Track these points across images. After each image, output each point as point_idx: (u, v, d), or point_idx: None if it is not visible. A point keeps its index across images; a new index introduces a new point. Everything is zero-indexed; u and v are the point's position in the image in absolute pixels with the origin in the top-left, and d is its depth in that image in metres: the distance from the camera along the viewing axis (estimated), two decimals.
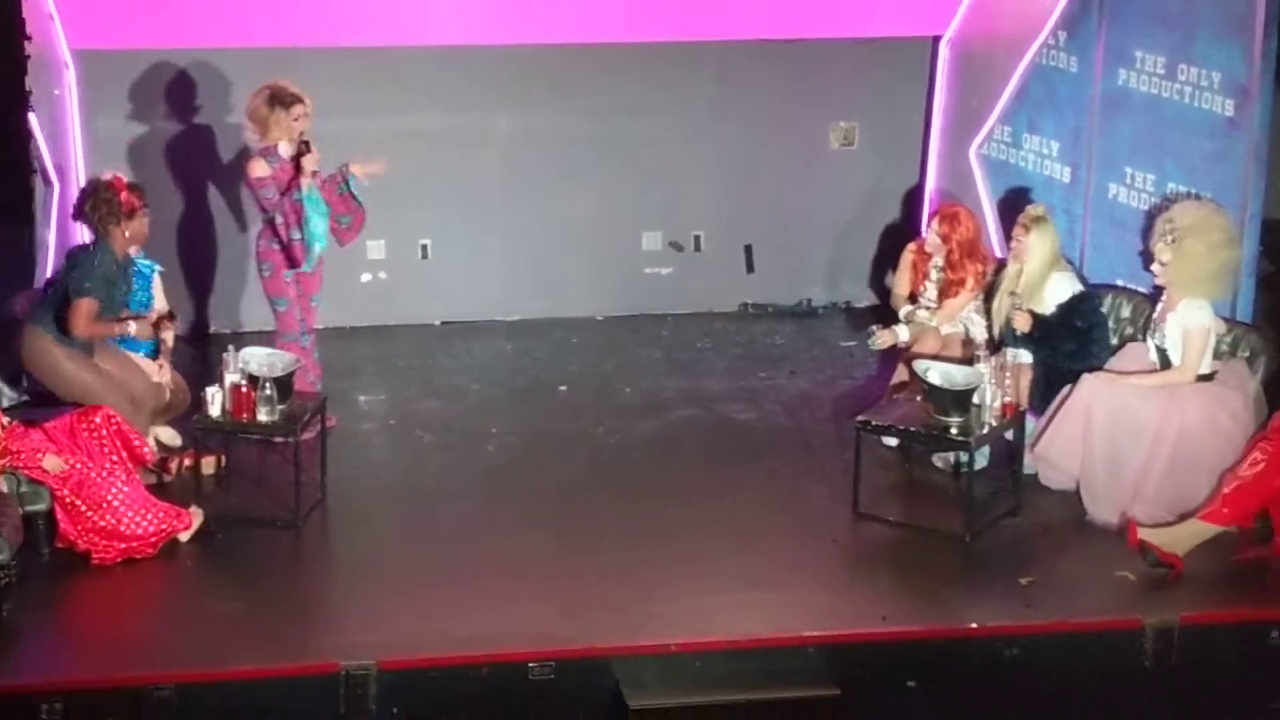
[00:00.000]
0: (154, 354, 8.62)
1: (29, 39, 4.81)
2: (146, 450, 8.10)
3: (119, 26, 9.62)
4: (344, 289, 9.61)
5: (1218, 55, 8.71)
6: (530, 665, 7.15)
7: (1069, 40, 9.49)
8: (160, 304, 8.82)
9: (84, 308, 8.12)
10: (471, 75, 10.25)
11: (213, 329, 10.29)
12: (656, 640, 7.32)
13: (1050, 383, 8.54)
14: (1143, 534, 7.86)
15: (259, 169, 8.63)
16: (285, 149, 8.66)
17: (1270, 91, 8.56)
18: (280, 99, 8.62)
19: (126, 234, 8.26)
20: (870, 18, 10.28)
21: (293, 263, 8.72)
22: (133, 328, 8.28)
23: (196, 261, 10.30)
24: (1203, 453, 8.12)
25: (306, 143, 8.64)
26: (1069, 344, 8.53)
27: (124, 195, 8.23)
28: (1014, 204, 9.67)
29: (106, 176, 8.31)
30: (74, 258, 8.36)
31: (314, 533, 8.23)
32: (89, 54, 9.66)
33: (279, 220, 8.63)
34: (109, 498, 7.74)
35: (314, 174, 8.63)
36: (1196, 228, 8.33)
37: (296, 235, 8.67)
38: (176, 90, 10.09)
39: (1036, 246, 8.64)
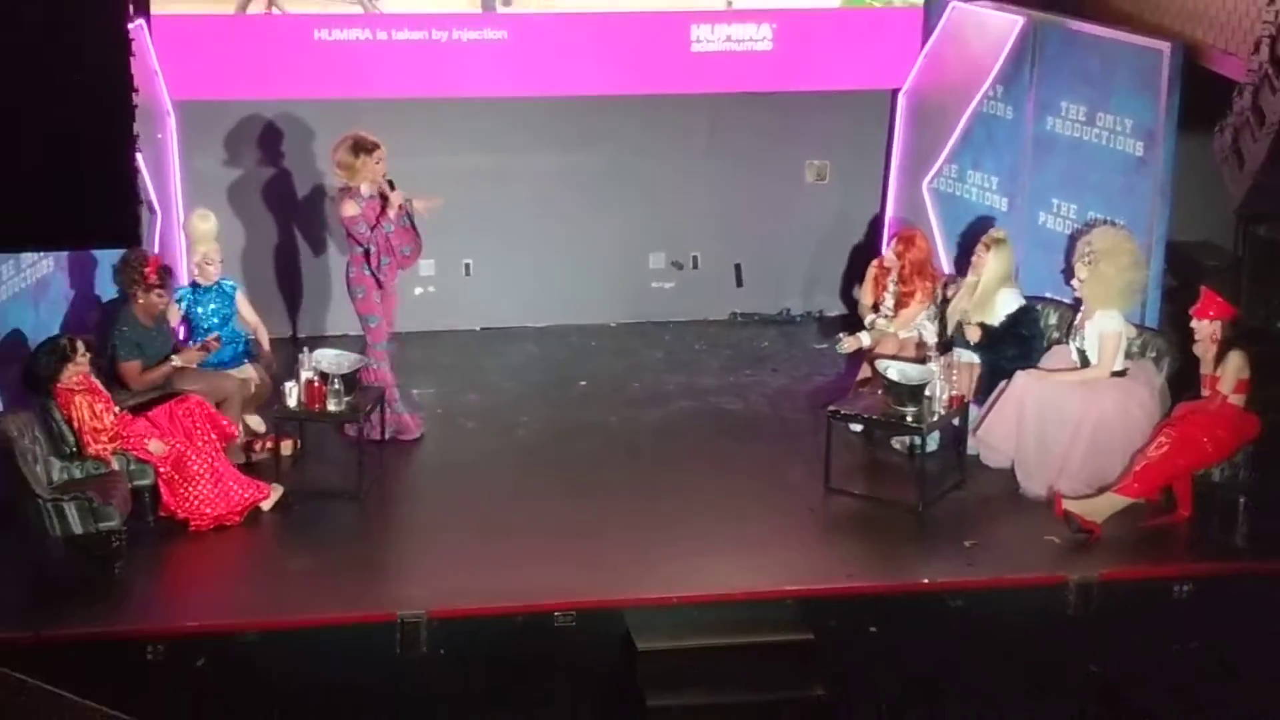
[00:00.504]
0: (243, 360, 8.64)
1: (136, 90, 4.81)
2: (230, 427, 8.09)
3: (213, 81, 9.64)
4: (400, 300, 9.60)
5: (1130, 105, 8.73)
6: (555, 614, 7.18)
7: (1005, 92, 9.50)
8: (248, 315, 8.79)
9: (124, 371, 8.09)
10: (507, 122, 10.25)
11: (301, 334, 10.26)
12: (660, 593, 7.36)
13: (991, 379, 8.55)
14: (1066, 505, 7.88)
15: (350, 209, 8.40)
16: (366, 189, 8.45)
17: (1174, 136, 8.57)
18: (364, 146, 8.39)
19: (142, 302, 8.14)
20: (840, 73, 10.25)
21: (380, 284, 8.58)
22: (178, 361, 8.21)
23: (284, 279, 10.30)
24: (1117, 437, 8.13)
25: (390, 181, 8.50)
26: (1012, 349, 8.53)
27: (148, 270, 8.10)
28: (961, 230, 9.69)
29: (147, 252, 8.19)
30: (109, 322, 8.28)
31: (374, 503, 8.23)
32: (187, 104, 9.71)
33: (372, 250, 8.47)
34: (203, 472, 7.77)
35: (400, 207, 8.47)
36: (1110, 252, 8.35)
37: (387, 260, 8.53)
38: (261, 134, 10.10)
39: (993, 263, 8.63)
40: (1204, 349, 8.05)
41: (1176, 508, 8.01)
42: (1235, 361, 7.87)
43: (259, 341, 8.73)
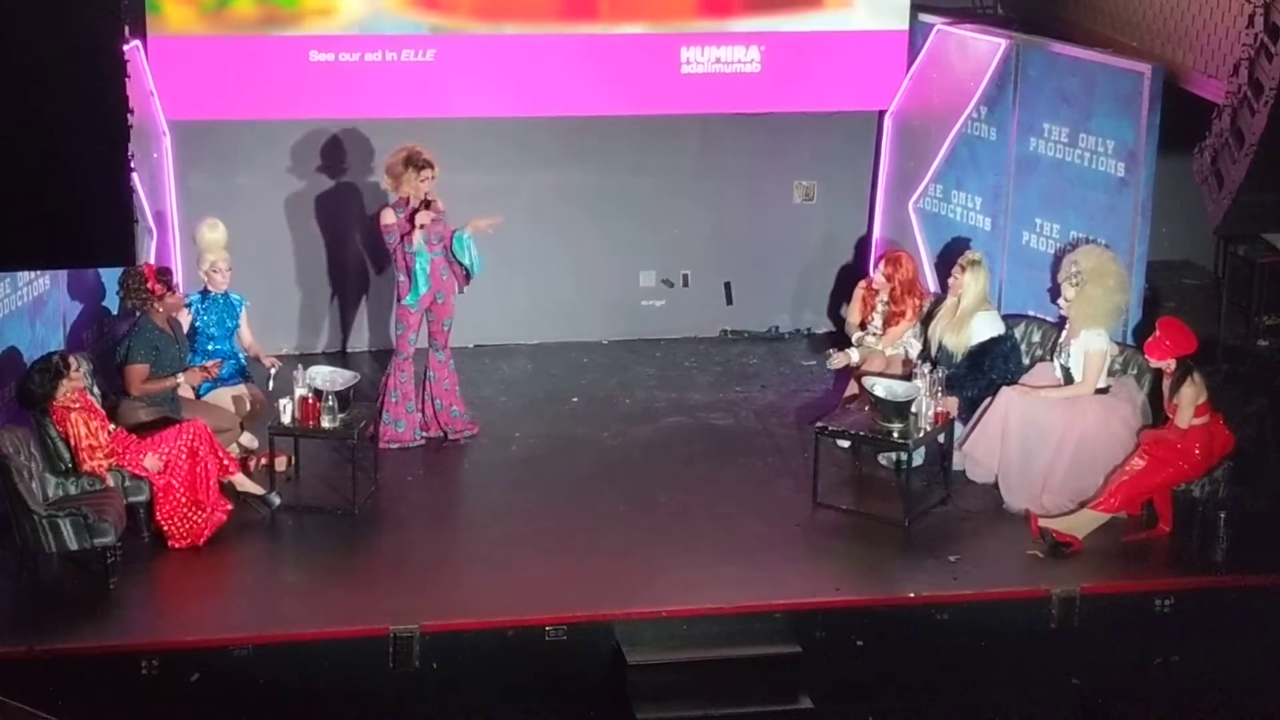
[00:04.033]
0: (239, 379, 8.62)
1: (131, 111, 4.81)
2: (232, 465, 8.06)
3: (206, 102, 9.62)
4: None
5: (1111, 127, 8.74)
6: (546, 628, 7.16)
7: (989, 114, 9.51)
8: (245, 333, 8.76)
9: (131, 373, 8.03)
10: (500, 142, 10.24)
11: (295, 350, 10.23)
12: (650, 607, 7.34)
13: (974, 398, 8.54)
14: (1042, 523, 7.90)
15: (388, 217, 8.59)
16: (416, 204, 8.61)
17: (1154, 157, 8.58)
18: (414, 161, 8.53)
19: (161, 310, 8.13)
20: (827, 95, 10.26)
21: (399, 296, 8.73)
22: (181, 379, 8.16)
23: (278, 296, 10.19)
24: (1100, 452, 8.12)
25: (428, 202, 8.59)
26: (972, 390, 8.52)
27: (152, 284, 8.07)
28: (946, 249, 9.69)
29: (141, 266, 8.10)
30: (122, 335, 8.24)
31: (368, 518, 8.20)
32: (182, 124, 9.69)
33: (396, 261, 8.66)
34: (181, 498, 7.71)
35: (422, 227, 8.55)
36: (1096, 274, 8.36)
37: (401, 278, 8.65)
38: (255, 154, 10.08)
39: (971, 285, 8.63)
40: (1164, 378, 8.05)
41: (1157, 523, 8.01)
42: (1188, 395, 7.86)
43: (257, 358, 8.67)
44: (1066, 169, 9.01)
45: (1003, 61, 9.34)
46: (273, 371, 8.53)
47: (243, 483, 8.04)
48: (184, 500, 7.72)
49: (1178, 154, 8.44)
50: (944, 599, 7.45)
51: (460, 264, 8.82)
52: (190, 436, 7.81)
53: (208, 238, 8.64)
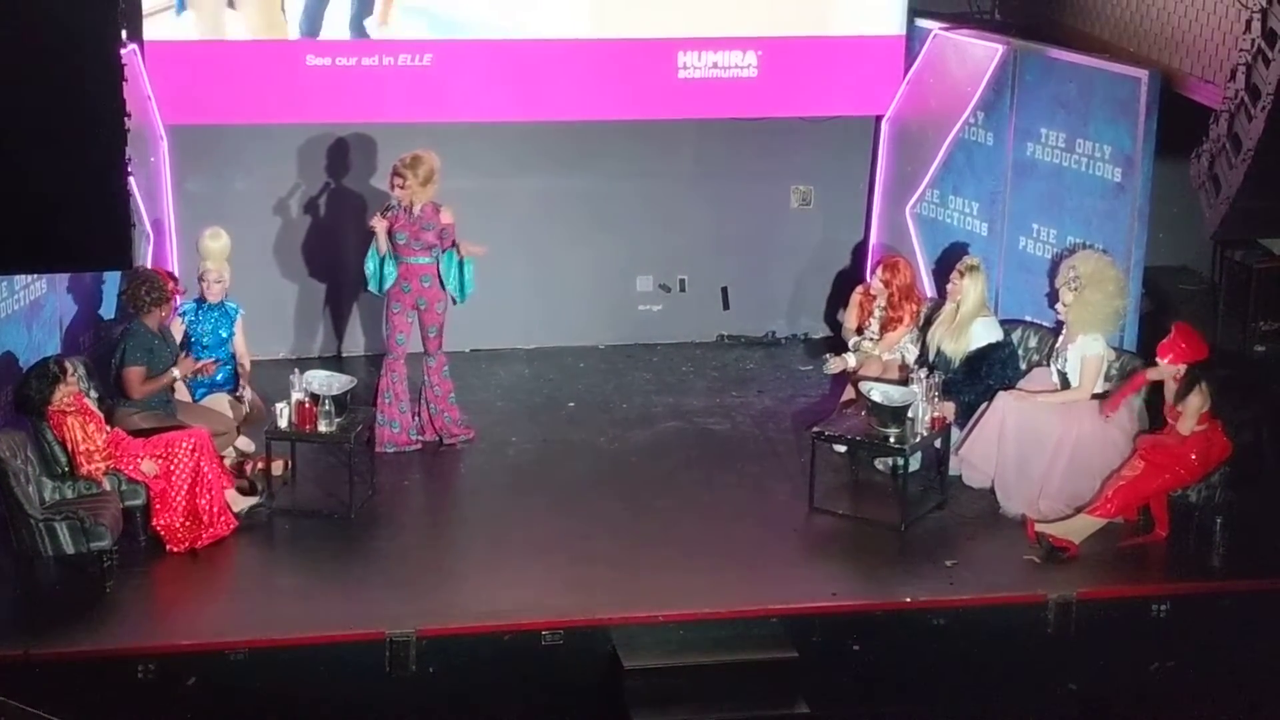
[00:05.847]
0: (234, 386, 8.63)
1: (129, 116, 4.82)
2: (228, 476, 8.06)
3: (203, 106, 9.63)
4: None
5: (1108, 132, 8.76)
6: (543, 633, 7.17)
7: (986, 119, 9.53)
8: (239, 339, 8.77)
9: (129, 376, 8.04)
10: (497, 146, 10.25)
11: (291, 355, 10.24)
12: (647, 612, 7.34)
13: (971, 403, 8.55)
14: (1039, 528, 7.91)
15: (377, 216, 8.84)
16: (416, 207, 8.80)
17: (1151, 162, 8.60)
18: (394, 168, 8.77)
19: (163, 314, 8.20)
20: (824, 100, 10.27)
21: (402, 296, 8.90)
22: (176, 373, 8.19)
23: (275, 301, 10.23)
24: (1095, 458, 8.14)
25: (389, 207, 8.76)
26: (969, 395, 8.54)
27: (169, 285, 8.21)
28: (943, 254, 9.70)
29: (154, 270, 8.25)
30: (115, 341, 8.25)
31: (364, 522, 8.21)
32: (179, 128, 9.70)
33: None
34: (179, 503, 7.72)
35: (371, 229, 8.79)
36: (1095, 279, 8.37)
37: (369, 268, 8.82)
38: (249, 157, 10.09)
39: (970, 290, 8.65)
40: (1167, 383, 8.06)
41: (1154, 528, 8.02)
42: (1194, 403, 7.88)
43: (242, 366, 8.69)
44: (1064, 174, 9.03)
45: (1000, 67, 9.36)
46: (245, 394, 8.59)
47: (234, 499, 8.01)
48: (182, 507, 7.72)
49: (1175, 159, 8.44)
50: (940, 604, 7.46)
51: (444, 285, 8.89)
52: (192, 445, 7.81)
53: (208, 247, 8.68)
